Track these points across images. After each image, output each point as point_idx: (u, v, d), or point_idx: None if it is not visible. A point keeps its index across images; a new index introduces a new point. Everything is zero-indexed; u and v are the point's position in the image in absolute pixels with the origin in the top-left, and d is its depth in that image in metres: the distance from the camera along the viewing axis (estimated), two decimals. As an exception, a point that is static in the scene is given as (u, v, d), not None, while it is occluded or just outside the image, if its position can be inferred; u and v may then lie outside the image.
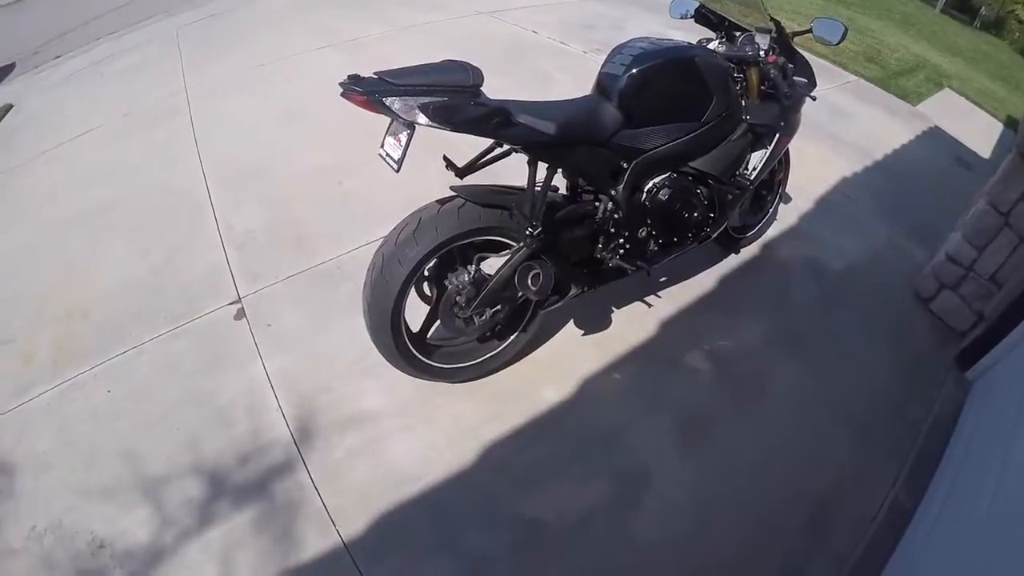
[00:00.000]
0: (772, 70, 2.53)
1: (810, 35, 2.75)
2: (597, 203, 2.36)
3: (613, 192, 2.30)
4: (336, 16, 7.20)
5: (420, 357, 2.32)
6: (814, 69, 2.84)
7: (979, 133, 6.48)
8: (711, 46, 2.64)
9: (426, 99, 1.72)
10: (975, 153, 5.72)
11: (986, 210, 2.89)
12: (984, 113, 7.57)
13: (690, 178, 2.51)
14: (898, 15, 14.93)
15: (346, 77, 1.73)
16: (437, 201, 2.09)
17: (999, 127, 7.18)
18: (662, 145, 2.31)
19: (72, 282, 3.22)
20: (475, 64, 1.87)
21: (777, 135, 2.71)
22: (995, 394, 2.48)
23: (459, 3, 7.40)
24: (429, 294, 2.28)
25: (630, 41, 2.40)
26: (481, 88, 1.84)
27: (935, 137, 5.70)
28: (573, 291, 2.43)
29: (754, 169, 2.72)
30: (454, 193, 2.08)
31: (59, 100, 6.23)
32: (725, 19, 2.72)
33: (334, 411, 2.45)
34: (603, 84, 2.29)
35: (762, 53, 2.55)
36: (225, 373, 2.64)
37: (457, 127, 1.80)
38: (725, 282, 3.15)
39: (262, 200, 3.70)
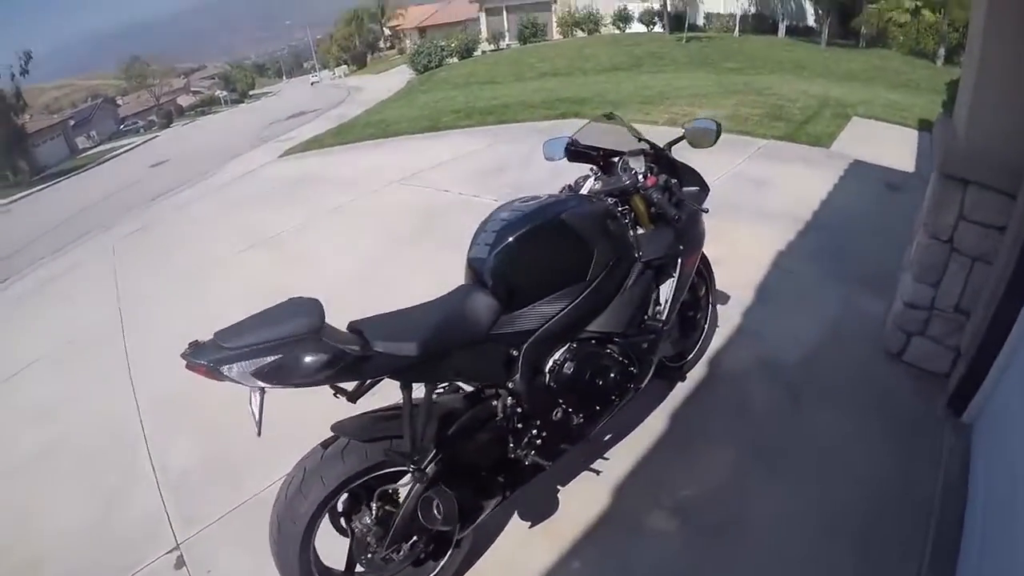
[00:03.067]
0: (654, 193, 2.31)
1: (684, 143, 2.59)
2: (494, 402, 2.07)
3: (510, 385, 2.03)
4: (258, 211, 7.44)
5: None
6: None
7: (898, 149, 6.56)
8: (587, 184, 2.45)
9: (260, 362, 1.52)
10: (900, 171, 5.71)
11: (928, 244, 2.71)
12: (896, 127, 7.79)
13: (593, 342, 2.23)
14: (789, 63, 15.91)
15: (187, 346, 1.58)
16: (321, 444, 1.89)
17: (914, 134, 7.32)
18: (549, 320, 2.05)
19: (18, 537, 3.10)
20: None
21: (679, 259, 2.48)
22: (1000, 430, 2.23)
23: (371, 177, 7.67)
24: (346, 527, 2.02)
25: (492, 214, 2.18)
26: (323, 326, 1.60)
27: (858, 171, 5.69)
28: (493, 502, 2.13)
29: (666, 302, 2.46)
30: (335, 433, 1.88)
31: (5, 329, 6.44)
32: (599, 149, 2.54)
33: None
34: (472, 270, 2.07)
35: (640, 178, 2.36)
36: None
37: (300, 384, 1.58)
38: (677, 417, 2.81)
39: (193, 431, 3.56)
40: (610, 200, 2.32)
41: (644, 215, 2.36)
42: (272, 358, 1.52)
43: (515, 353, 2.00)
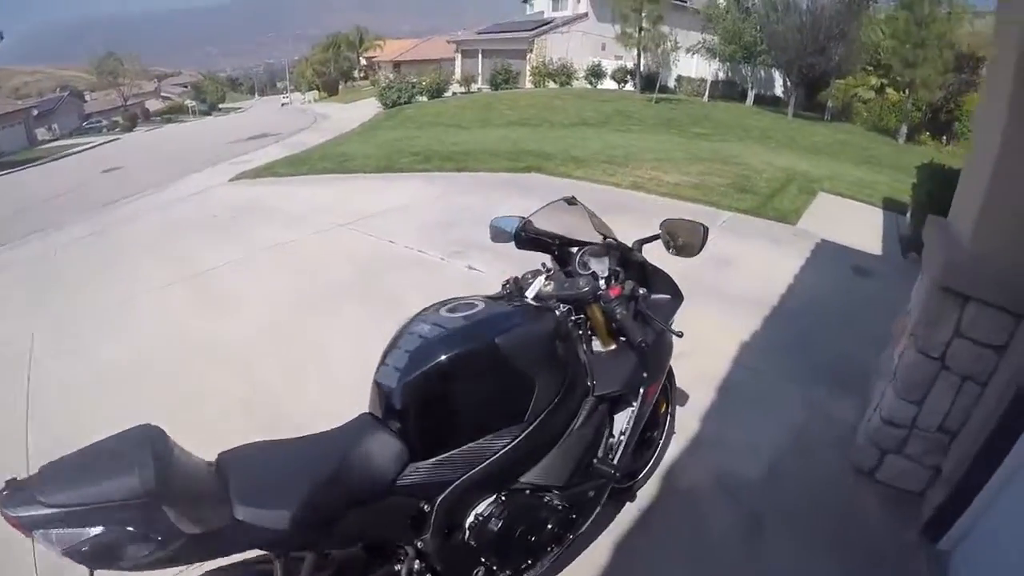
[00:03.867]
0: (617, 307, 1.82)
1: (659, 241, 2.17)
2: (397, 565, 1.57)
3: (420, 544, 1.57)
4: (194, 241, 6.96)
5: None
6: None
7: (864, 229, 6.48)
8: (536, 283, 1.90)
9: (75, 535, 1.05)
10: (867, 254, 5.59)
11: (917, 360, 2.40)
12: (862, 204, 7.77)
13: (527, 492, 1.76)
14: (756, 132, 16.03)
15: (3, 483, 1.09)
16: None
17: (879, 213, 7.31)
18: (472, 469, 1.58)
19: None
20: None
21: (641, 388, 2.03)
22: (985, 562, 2.04)
23: (316, 216, 7.26)
24: None
25: (409, 325, 1.66)
26: (165, 480, 1.11)
27: (824, 253, 5.50)
28: None
29: (621, 434, 2.02)
30: None
31: None
32: (556, 236, 2.10)
33: None
34: (377, 402, 1.58)
35: (602, 284, 1.93)
36: None
37: (128, 570, 1.10)
38: (621, 545, 2.37)
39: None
40: (562, 307, 1.84)
41: (602, 329, 1.91)
42: (91, 532, 1.07)
43: (426, 508, 1.52)
